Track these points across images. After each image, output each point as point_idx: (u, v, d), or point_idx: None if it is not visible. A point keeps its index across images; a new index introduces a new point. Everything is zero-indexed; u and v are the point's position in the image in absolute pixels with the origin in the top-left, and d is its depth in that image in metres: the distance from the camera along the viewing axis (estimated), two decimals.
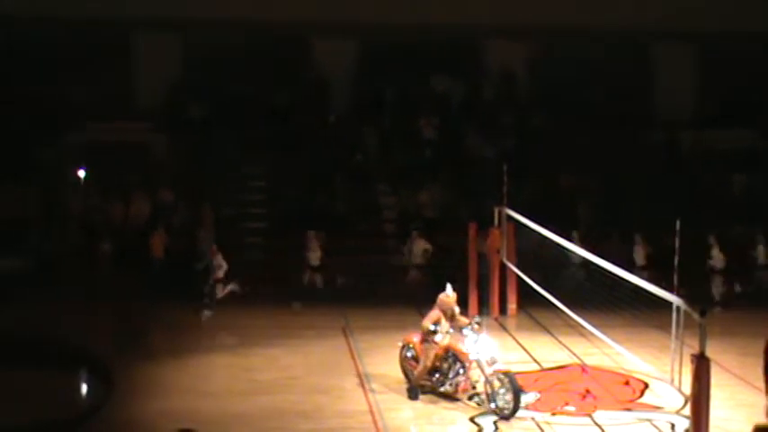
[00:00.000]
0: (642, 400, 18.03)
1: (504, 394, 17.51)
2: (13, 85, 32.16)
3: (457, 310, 18.81)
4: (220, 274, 27.20)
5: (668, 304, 15.99)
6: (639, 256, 28.89)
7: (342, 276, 28.53)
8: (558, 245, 21.91)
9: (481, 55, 35.25)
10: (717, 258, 29.61)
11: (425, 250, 28.32)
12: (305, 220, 30.12)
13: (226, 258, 27.48)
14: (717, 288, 29.29)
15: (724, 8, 32.52)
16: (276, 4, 32.34)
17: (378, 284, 28.10)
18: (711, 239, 29.39)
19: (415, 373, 18.89)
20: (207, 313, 26.14)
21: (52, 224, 29.83)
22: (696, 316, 13.87)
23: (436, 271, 25.78)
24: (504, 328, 24.21)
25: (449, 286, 19.13)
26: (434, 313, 18.70)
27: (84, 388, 20.90)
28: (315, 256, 28.37)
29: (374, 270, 28.94)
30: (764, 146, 31.75)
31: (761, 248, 30.26)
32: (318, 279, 27.78)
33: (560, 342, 22.55)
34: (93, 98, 32.62)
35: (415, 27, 32.81)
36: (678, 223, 15.79)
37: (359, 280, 28.31)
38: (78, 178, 31.20)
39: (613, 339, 19.32)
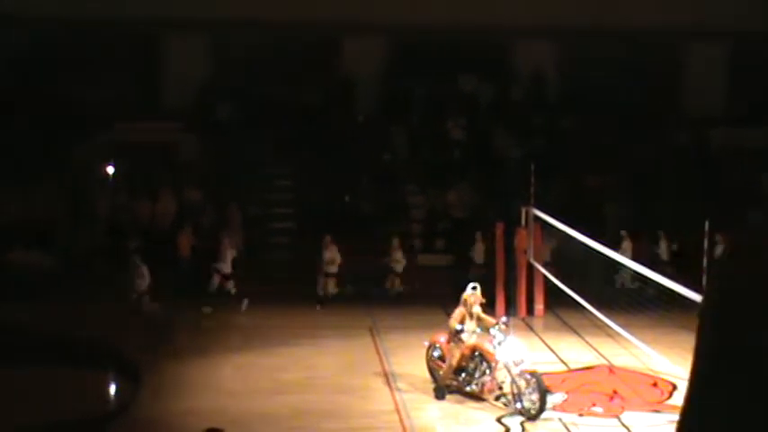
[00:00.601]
0: (671, 401, 18.02)
1: (530, 394, 17.55)
2: (43, 85, 32.29)
3: (478, 309, 18.86)
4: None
5: (696, 304, 15.98)
6: (663, 252, 28.77)
7: (364, 277, 28.42)
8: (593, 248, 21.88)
9: (510, 55, 35.22)
10: None
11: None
12: (332, 220, 30.15)
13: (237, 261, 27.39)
14: None
15: (753, 7, 32.42)
16: (304, 3, 32.40)
17: (405, 284, 28.13)
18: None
19: (441, 372, 18.96)
20: (207, 309, 26.14)
21: (80, 223, 29.93)
22: None
23: (460, 272, 25.75)
24: (530, 328, 24.25)
25: (470, 286, 19.22)
26: (458, 312, 18.79)
27: (111, 387, 20.97)
28: (331, 261, 28.13)
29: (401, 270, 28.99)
30: None
31: None
32: (331, 284, 27.65)
33: (588, 343, 22.59)
34: (122, 98, 32.74)
35: (443, 27, 32.81)
36: (707, 224, 15.80)
37: (384, 280, 28.28)
38: (107, 176, 31.32)
39: (641, 340, 19.33)
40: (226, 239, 26.97)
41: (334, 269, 27.34)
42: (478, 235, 28.60)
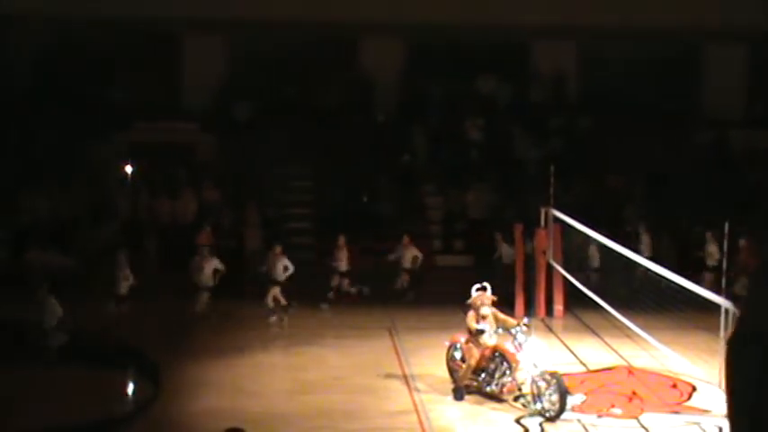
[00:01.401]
0: (690, 403, 18.05)
1: (550, 395, 17.61)
2: (64, 85, 32.42)
3: (487, 310, 18.93)
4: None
5: (716, 306, 16.07)
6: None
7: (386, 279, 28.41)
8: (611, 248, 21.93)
9: (529, 55, 35.26)
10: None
11: (415, 257, 28.13)
12: (350, 220, 30.24)
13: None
14: None
15: None
16: (322, 4, 32.47)
17: (423, 285, 28.13)
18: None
19: (461, 373, 19.03)
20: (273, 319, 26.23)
21: (99, 222, 30.04)
22: None
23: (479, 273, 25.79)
24: (550, 329, 24.27)
25: (474, 288, 19.32)
26: (470, 314, 18.92)
27: (132, 387, 21.07)
28: (342, 262, 28.05)
29: (420, 271, 28.98)
30: None
31: None
32: (345, 283, 27.67)
33: (607, 344, 22.60)
34: (141, 98, 32.86)
35: (461, 27, 32.85)
36: (726, 226, 15.86)
37: (404, 281, 28.29)
38: (126, 176, 31.45)
39: (660, 341, 19.38)
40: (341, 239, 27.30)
41: (344, 269, 27.39)
42: (499, 236, 28.57)
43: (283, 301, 25.73)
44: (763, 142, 32.42)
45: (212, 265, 24.97)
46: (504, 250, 27.95)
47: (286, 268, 26.09)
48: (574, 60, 35.07)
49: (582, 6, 32.79)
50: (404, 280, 27.82)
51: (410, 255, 27.99)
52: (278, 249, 26.44)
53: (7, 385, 20.43)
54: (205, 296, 24.61)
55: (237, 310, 25.98)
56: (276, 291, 25.87)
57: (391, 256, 27.96)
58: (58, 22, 31.52)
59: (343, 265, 27.15)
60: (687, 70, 34.89)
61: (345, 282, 27.19)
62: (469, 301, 19.29)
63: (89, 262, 27.50)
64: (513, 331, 18.70)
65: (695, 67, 35.13)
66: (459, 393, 18.88)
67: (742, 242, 25.90)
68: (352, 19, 32.96)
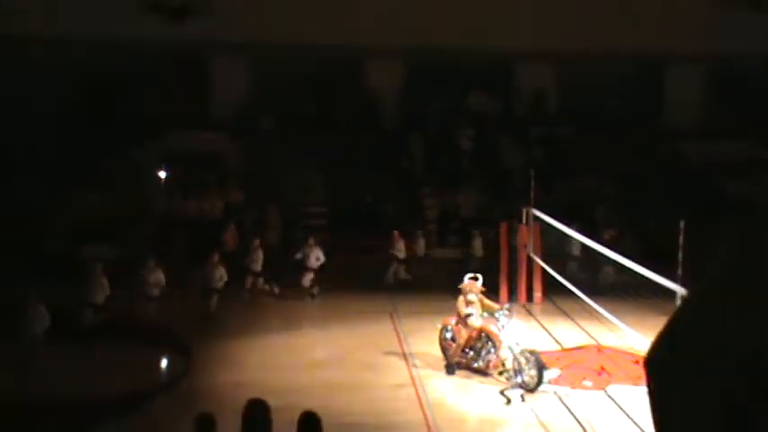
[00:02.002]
0: None
1: (529, 370, 17.73)
2: (113, 101, 32.52)
3: (474, 297, 19.07)
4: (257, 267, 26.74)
5: (673, 292, 16.17)
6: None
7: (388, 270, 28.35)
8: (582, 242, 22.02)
9: (513, 75, 35.31)
10: None
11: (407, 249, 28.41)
12: (359, 219, 30.34)
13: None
14: None
15: (728, 32, 32.40)
16: (334, 30, 32.52)
17: (420, 275, 28.21)
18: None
19: (452, 351, 19.16)
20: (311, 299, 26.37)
21: (139, 219, 30.12)
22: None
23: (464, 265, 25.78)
24: (530, 313, 24.35)
25: (467, 276, 19.46)
26: (460, 299, 19.08)
27: (167, 362, 21.17)
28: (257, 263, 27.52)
29: (417, 263, 29.07)
30: (764, 157, 31.67)
31: None
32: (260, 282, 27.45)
33: (579, 326, 22.69)
34: (176, 111, 32.91)
35: (454, 51, 32.88)
36: (682, 224, 15.97)
37: (403, 271, 28.30)
38: (160, 180, 31.54)
39: (625, 323, 19.45)
40: (311, 239, 27.11)
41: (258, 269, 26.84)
42: (476, 232, 28.84)
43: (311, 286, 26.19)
44: (717, 152, 32.46)
45: (221, 271, 24.74)
46: (477, 244, 28.07)
47: (318, 258, 26.33)
48: (552, 79, 35.11)
49: (559, 33, 32.81)
50: (396, 269, 27.93)
51: (400, 246, 28.08)
52: (311, 241, 26.67)
53: (61, 357, 20.54)
54: (215, 298, 24.15)
55: (257, 298, 26.11)
56: (310, 276, 26.15)
57: (390, 251, 28.07)
58: (111, 46, 31.58)
59: (257, 265, 26.55)
60: (650, 88, 34.90)
61: (260, 280, 26.82)
62: (460, 286, 19.47)
63: (130, 252, 27.57)
64: (496, 315, 18.84)
65: (657, 86, 35.15)
66: (450, 369, 19.02)
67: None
68: (359, 44, 33.02)
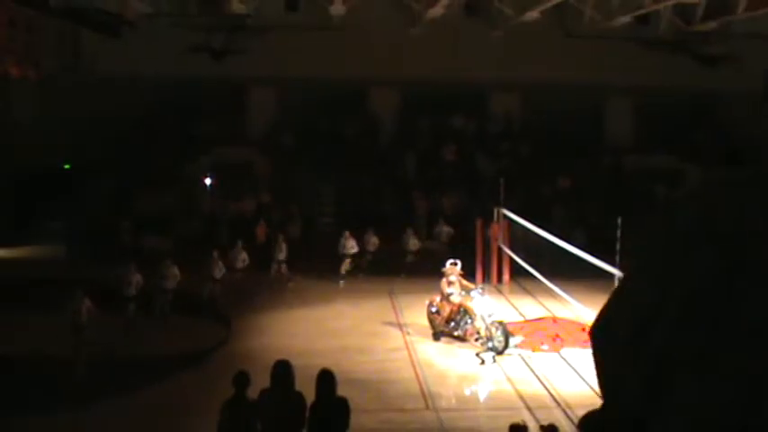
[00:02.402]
0: None
1: (498, 337, 17.84)
2: (166, 123, 32.60)
3: (453, 278, 19.18)
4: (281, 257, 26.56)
5: (611, 275, 16.25)
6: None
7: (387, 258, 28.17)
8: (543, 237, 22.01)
9: (487, 101, 35.29)
10: None
11: (373, 242, 27.69)
12: (363, 217, 30.32)
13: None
14: None
15: (651, 72, 32.54)
16: (344, 64, 32.47)
17: (414, 262, 28.19)
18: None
19: (437, 322, 19.24)
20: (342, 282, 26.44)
21: (189, 216, 30.17)
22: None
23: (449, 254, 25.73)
24: (500, 292, 24.43)
25: (449, 261, 19.54)
26: (443, 280, 19.17)
27: (212, 329, 21.27)
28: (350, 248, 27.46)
29: (410, 252, 29.04)
30: (681, 167, 31.73)
31: None
32: (346, 264, 27.26)
33: (539, 302, 22.76)
34: (219, 131, 32.96)
35: (440, 81, 32.86)
36: (619, 220, 16.06)
37: (399, 260, 28.25)
38: (206, 186, 31.58)
39: (576, 300, 19.52)
40: (279, 236, 26.96)
41: (352, 252, 27.05)
42: (409, 229, 28.24)
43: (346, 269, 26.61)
44: (645, 163, 32.56)
45: (244, 254, 24.84)
46: (410, 240, 27.55)
47: (353, 246, 26.38)
48: (517, 105, 35.12)
49: (522, 68, 32.79)
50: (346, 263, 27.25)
51: (372, 241, 27.71)
52: (347, 233, 26.83)
53: (132, 327, 20.68)
54: (216, 288, 24.12)
55: (282, 279, 26.10)
56: (347, 262, 26.16)
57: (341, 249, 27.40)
58: (171, 81, 31.63)
59: (282, 255, 26.23)
60: (594, 113, 34.94)
61: (283, 266, 26.65)
62: (443, 270, 19.55)
63: (182, 243, 27.63)
64: (472, 293, 18.94)
65: (600, 111, 35.21)
66: (436, 336, 19.14)
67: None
68: (364, 76, 33.00)
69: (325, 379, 10.50)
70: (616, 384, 1.91)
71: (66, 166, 31.89)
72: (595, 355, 1.96)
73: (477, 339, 18.44)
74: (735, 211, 1.72)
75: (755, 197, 1.73)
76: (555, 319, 20.48)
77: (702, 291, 1.70)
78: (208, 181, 31.41)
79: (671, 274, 1.75)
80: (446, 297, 19.08)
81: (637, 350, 1.81)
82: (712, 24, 29.03)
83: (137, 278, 21.53)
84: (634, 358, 1.83)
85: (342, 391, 10.65)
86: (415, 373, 16.90)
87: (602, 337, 1.94)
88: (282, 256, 26.56)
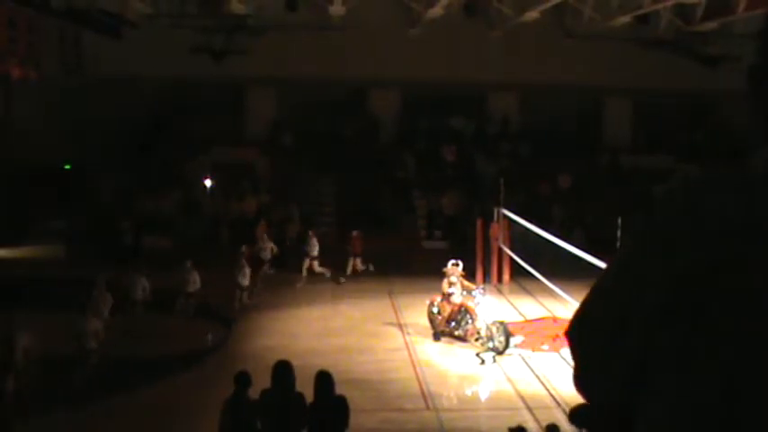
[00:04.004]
0: None
1: (499, 337, 17.85)
2: (167, 123, 32.62)
3: (454, 279, 19.18)
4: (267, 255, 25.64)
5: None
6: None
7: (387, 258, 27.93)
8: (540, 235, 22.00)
9: (485, 102, 35.30)
10: None
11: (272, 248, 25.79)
12: (362, 217, 30.34)
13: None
14: None
15: (650, 73, 32.55)
16: (343, 64, 32.48)
17: (413, 262, 28.07)
18: None
19: (437, 322, 19.25)
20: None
21: (190, 216, 30.17)
22: None
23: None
24: (500, 291, 24.45)
25: (450, 262, 19.55)
26: (444, 280, 19.18)
27: (212, 330, 21.24)
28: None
29: (410, 252, 29.01)
30: (677, 166, 31.72)
31: None
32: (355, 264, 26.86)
33: (539, 302, 22.76)
34: (219, 131, 32.94)
35: (440, 83, 32.86)
36: (619, 220, 16.06)
37: (399, 259, 28.12)
38: (206, 186, 31.58)
39: (574, 299, 19.52)
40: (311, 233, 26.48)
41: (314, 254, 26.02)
42: (311, 232, 26.66)
43: (318, 270, 25.72)
44: (642, 162, 32.57)
45: (247, 271, 23.98)
46: (266, 243, 27.00)
47: (315, 245, 25.88)
48: (516, 106, 35.14)
49: (522, 69, 32.78)
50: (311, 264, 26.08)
51: (266, 246, 25.92)
52: (311, 233, 26.27)
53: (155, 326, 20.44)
54: (244, 295, 22.95)
55: (281, 278, 25.98)
56: (308, 262, 25.76)
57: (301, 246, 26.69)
58: (170, 82, 31.68)
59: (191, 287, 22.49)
60: (593, 113, 34.98)
61: (315, 263, 25.95)
62: (444, 270, 19.55)
63: (184, 245, 27.60)
64: (473, 293, 18.96)
65: (598, 111, 35.24)
66: (436, 336, 19.14)
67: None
68: (364, 76, 33.00)
69: (323, 380, 10.54)
70: (594, 380, 1.92)
71: (67, 167, 31.88)
72: (573, 351, 1.95)
73: (477, 339, 18.44)
74: (720, 210, 1.74)
75: (741, 195, 1.75)
76: (555, 319, 20.44)
77: (686, 289, 1.71)
78: (208, 182, 31.38)
79: (652, 272, 1.77)
80: (447, 297, 19.08)
81: (615, 348, 1.82)
82: (712, 24, 28.99)
83: (143, 283, 21.18)
84: (612, 356, 1.84)
85: (342, 390, 10.65)
86: (415, 372, 16.90)
87: (580, 333, 1.93)
88: (315, 251, 26.22)
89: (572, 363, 1.93)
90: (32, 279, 23.71)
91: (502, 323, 18.19)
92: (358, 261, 26.36)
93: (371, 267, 26.25)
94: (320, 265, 25.99)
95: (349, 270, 26.29)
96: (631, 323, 1.76)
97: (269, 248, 25.65)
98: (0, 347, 14.54)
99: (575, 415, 2.05)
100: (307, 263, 25.93)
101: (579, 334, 1.89)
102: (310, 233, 26.50)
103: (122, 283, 20.93)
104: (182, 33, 30.11)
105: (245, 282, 22.73)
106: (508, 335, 17.89)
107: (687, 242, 1.71)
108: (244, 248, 23.59)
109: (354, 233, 26.54)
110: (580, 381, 1.89)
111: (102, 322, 17.55)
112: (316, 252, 26.12)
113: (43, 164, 29.84)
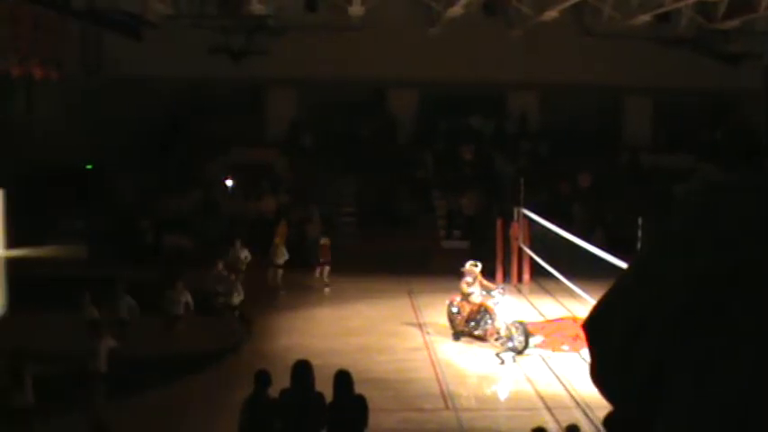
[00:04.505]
0: None
1: (518, 337, 17.82)
2: (186, 123, 32.73)
3: (470, 279, 19.15)
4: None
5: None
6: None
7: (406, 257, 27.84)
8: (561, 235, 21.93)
9: (504, 102, 35.27)
10: None
11: (246, 257, 24.14)
12: (381, 217, 30.37)
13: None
14: None
15: (671, 71, 32.43)
16: (363, 64, 32.50)
17: (432, 261, 28.04)
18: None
19: (457, 321, 19.23)
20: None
21: (209, 216, 30.25)
22: None
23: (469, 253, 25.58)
24: (520, 291, 24.39)
25: (469, 262, 19.51)
26: (464, 279, 19.15)
27: (232, 329, 21.22)
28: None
29: (430, 251, 29.00)
30: (698, 165, 31.58)
31: None
32: None
33: (559, 302, 22.69)
34: (238, 131, 33.03)
35: (459, 82, 32.86)
36: (639, 219, 15.99)
37: (418, 259, 28.07)
38: (226, 186, 31.65)
39: (595, 299, 19.43)
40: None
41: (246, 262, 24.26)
42: (238, 242, 24.65)
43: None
44: (664, 163, 32.41)
45: (246, 252, 23.37)
46: (175, 241, 26.13)
47: (247, 256, 24.13)
48: (535, 105, 35.09)
49: (541, 68, 32.75)
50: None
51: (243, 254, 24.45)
52: (238, 243, 24.43)
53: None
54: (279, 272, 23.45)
55: (302, 279, 26.00)
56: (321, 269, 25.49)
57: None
58: (188, 80, 31.82)
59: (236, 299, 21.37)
60: (613, 112, 34.88)
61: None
62: (463, 269, 19.52)
63: (202, 243, 27.67)
64: (493, 293, 18.92)
65: (618, 110, 35.13)
66: (456, 336, 19.12)
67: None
68: (383, 76, 33.04)
69: (342, 379, 10.54)
70: (612, 381, 1.91)
71: (88, 167, 32.04)
72: (590, 347, 1.94)
73: (497, 339, 18.40)
74: (739, 210, 1.73)
75: (760, 194, 1.74)
76: (575, 319, 20.28)
77: (706, 290, 1.70)
78: (229, 182, 31.45)
79: (672, 272, 1.76)
80: (466, 297, 19.06)
81: (632, 349, 1.81)
82: (734, 22, 28.83)
83: (186, 297, 19.87)
84: (630, 357, 1.83)
85: (361, 390, 10.65)
86: (435, 372, 16.88)
87: (598, 331, 1.92)
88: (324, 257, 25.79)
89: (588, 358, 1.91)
90: (54, 278, 23.81)
91: (521, 323, 18.15)
92: (326, 270, 25.26)
93: (327, 286, 24.98)
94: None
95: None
96: (650, 323, 1.76)
97: (243, 256, 24.26)
98: (12, 361, 13.70)
99: (608, 421, 2.03)
100: (318, 270, 25.60)
101: (596, 331, 1.89)
102: (323, 239, 26.15)
103: (164, 296, 19.94)
104: (201, 34, 30.21)
105: (221, 288, 21.54)
106: (527, 335, 17.85)
107: (707, 242, 1.70)
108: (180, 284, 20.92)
109: (323, 240, 25.64)
110: (597, 378, 1.89)
111: (122, 330, 17.47)
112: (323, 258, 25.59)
113: (64, 164, 30.00)
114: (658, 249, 1.81)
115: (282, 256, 25.36)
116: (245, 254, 24.06)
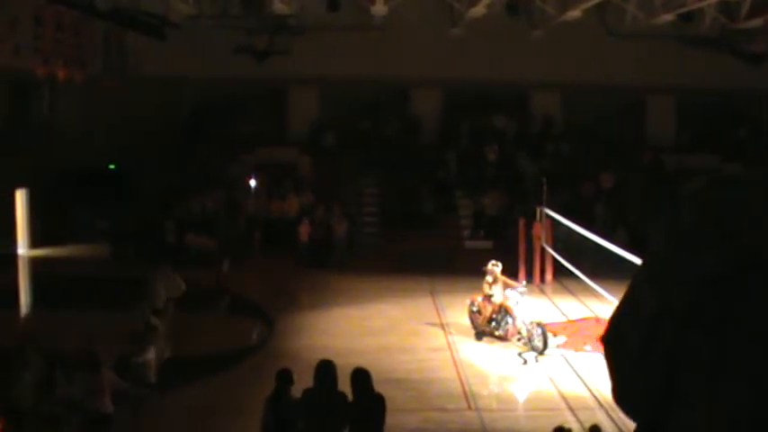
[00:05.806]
0: None
1: (539, 337, 17.80)
2: (210, 123, 32.84)
3: (490, 280, 19.12)
4: None
5: None
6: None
7: (429, 257, 27.88)
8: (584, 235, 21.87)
9: (528, 102, 35.20)
10: None
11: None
12: (404, 217, 30.37)
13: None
14: None
15: (694, 71, 32.26)
16: (385, 64, 32.52)
17: (455, 261, 28.02)
18: None
19: (478, 321, 19.21)
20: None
21: (233, 216, 30.35)
22: None
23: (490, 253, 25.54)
24: (543, 291, 24.33)
25: (490, 262, 19.49)
26: (484, 280, 19.15)
27: (253, 328, 21.32)
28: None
29: (453, 251, 28.97)
30: (722, 165, 31.39)
31: None
32: None
33: (581, 302, 22.63)
34: (261, 131, 33.15)
35: (482, 82, 32.83)
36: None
37: (441, 259, 28.04)
38: (250, 186, 31.75)
39: (618, 299, 19.37)
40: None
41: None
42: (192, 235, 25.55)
43: None
44: (686, 163, 32.21)
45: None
46: (198, 241, 25.87)
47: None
48: (558, 105, 34.98)
49: (564, 68, 32.64)
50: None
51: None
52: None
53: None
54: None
55: (325, 279, 26.07)
56: None
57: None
58: (211, 80, 31.95)
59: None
60: (636, 112, 34.72)
61: None
62: (484, 269, 19.50)
63: (226, 243, 27.75)
64: (512, 292, 18.90)
65: (641, 110, 34.97)
66: (478, 336, 19.11)
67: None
68: (406, 76, 33.04)
69: (360, 377, 10.53)
70: (632, 402, 1.90)
71: (112, 167, 32.22)
72: (608, 362, 1.93)
73: (519, 339, 18.38)
74: (746, 208, 1.72)
75: (767, 194, 1.73)
76: (598, 320, 20.29)
77: (713, 289, 1.70)
78: (252, 182, 31.57)
79: (680, 272, 1.75)
80: (488, 297, 19.04)
81: (646, 357, 1.81)
82: (757, 21, 28.61)
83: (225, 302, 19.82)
84: (644, 366, 1.83)
85: (382, 389, 10.65)
86: (457, 372, 16.87)
87: (613, 349, 1.91)
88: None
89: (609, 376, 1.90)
90: (79, 278, 23.99)
91: (539, 324, 18.11)
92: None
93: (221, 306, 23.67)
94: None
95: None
96: (663, 324, 1.75)
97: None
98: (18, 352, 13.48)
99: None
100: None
101: (611, 350, 1.88)
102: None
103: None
104: (224, 34, 30.30)
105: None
106: (546, 336, 17.81)
107: (714, 241, 1.69)
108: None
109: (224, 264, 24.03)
110: (618, 398, 1.89)
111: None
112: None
113: (87, 164, 30.17)
114: (665, 249, 1.81)
115: (305, 256, 25.61)
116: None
